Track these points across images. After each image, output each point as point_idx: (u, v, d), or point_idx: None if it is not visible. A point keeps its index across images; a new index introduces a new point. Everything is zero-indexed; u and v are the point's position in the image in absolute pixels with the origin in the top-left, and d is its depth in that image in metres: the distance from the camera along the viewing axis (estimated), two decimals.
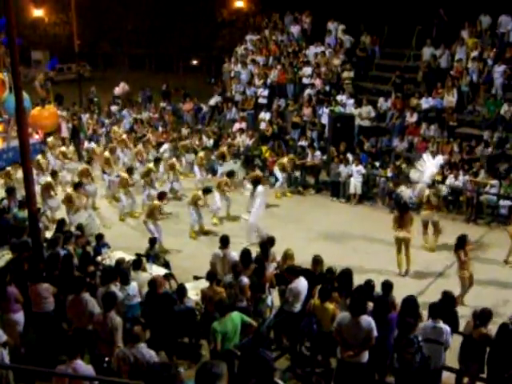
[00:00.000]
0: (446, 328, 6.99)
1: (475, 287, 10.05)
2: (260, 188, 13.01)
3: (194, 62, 44.85)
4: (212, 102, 23.38)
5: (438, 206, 12.68)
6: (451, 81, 17.53)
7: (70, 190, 13.44)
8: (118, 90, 26.52)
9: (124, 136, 18.94)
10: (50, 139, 18.99)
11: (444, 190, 13.64)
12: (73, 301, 7.72)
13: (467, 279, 9.86)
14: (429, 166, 12.88)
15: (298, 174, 16.84)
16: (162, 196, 12.62)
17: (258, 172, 15.56)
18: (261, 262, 8.92)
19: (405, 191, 14.66)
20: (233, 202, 14.68)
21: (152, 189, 14.75)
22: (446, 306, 7.48)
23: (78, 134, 20.55)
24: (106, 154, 16.46)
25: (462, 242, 9.84)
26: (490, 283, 10.60)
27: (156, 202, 12.49)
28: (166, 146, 18.33)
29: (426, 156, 13.33)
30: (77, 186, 13.38)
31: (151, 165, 15.41)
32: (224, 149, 17.59)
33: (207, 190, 13.43)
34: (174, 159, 16.76)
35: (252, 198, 13.28)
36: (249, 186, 15.07)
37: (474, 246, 10.53)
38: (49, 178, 14.31)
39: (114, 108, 24.54)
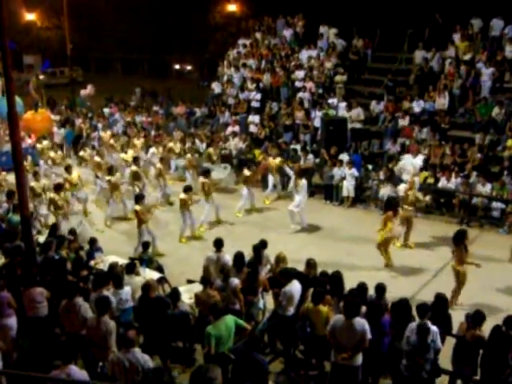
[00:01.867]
0: (433, 329, 6.91)
1: (468, 288, 10.09)
2: (304, 181, 13.73)
3: (187, 67, 44.88)
4: (217, 90, 23.51)
5: (414, 203, 12.76)
6: (443, 84, 17.64)
7: (52, 194, 13.19)
8: (84, 92, 26.48)
9: (112, 141, 18.88)
10: (39, 145, 18.88)
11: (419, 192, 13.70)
12: (66, 306, 7.68)
13: (466, 275, 9.89)
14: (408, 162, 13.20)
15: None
16: (137, 199, 12.31)
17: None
18: (254, 265, 8.93)
19: (383, 190, 14.90)
20: (224, 207, 14.68)
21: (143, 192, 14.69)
22: (438, 309, 7.49)
23: (79, 139, 20.58)
24: (97, 158, 16.40)
25: (461, 237, 9.91)
26: (483, 285, 10.62)
27: (136, 207, 12.17)
28: (152, 150, 18.00)
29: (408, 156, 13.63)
30: (57, 188, 13.15)
31: (134, 167, 15.26)
32: (210, 150, 17.54)
33: (188, 189, 13.25)
34: (159, 164, 16.37)
35: (295, 188, 13.90)
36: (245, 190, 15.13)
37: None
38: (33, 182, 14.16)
39: (106, 110, 24.51)
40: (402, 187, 13.12)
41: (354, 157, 16.47)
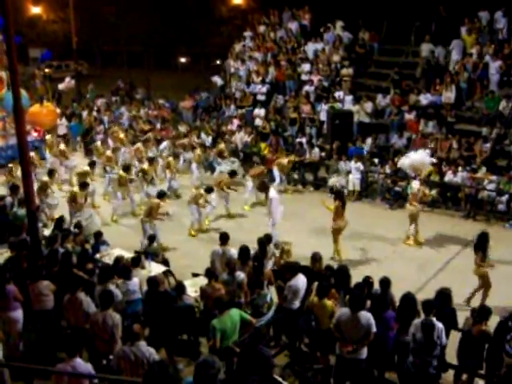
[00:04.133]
0: (438, 325, 6.87)
1: (473, 283, 10.04)
2: (272, 192, 12.81)
3: (193, 60, 44.69)
4: (219, 83, 23.79)
5: (422, 199, 12.66)
6: (449, 77, 17.53)
7: (75, 189, 13.28)
8: (62, 86, 26.49)
9: (122, 135, 18.95)
10: (48, 137, 18.99)
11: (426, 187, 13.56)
12: (69, 300, 7.72)
13: (487, 277, 9.72)
14: (411, 159, 13.01)
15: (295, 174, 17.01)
16: (161, 195, 12.46)
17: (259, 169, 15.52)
18: (260, 259, 8.92)
19: (335, 180, 14.93)
20: (232, 200, 14.69)
21: (151, 186, 14.74)
22: (442, 303, 7.45)
23: (89, 132, 20.61)
24: (109, 152, 16.46)
25: (484, 240, 9.68)
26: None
27: (155, 200, 12.36)
28: (165, 144, 18.28)
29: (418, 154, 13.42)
30: (83, 186, 13.18)
31: (145, 165, 15.32)
32: (222, 146, 17.59)
33: (209, 190, 13.40)
34: (171, 158, 16.60)
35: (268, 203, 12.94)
36: (250, 183, 15.18)
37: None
38: (45, 177, 14.25)
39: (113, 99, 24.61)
40: (414, 184, 12.93)
41: (352, 150, 16.53)
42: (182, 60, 44.28)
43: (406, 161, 13.13)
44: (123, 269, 8.45)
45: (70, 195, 13.11)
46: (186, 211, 13.60)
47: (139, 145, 17.57)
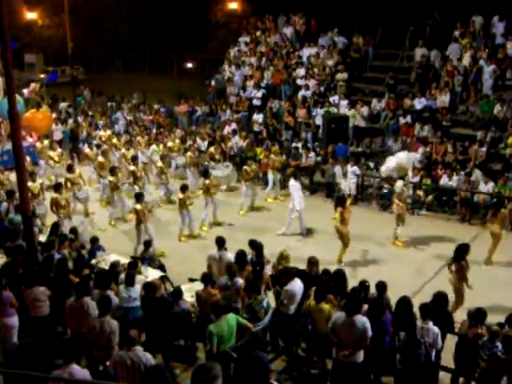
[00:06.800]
0: (434, 329, 6.90)
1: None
2: (291, 182, 13.55)
3: (189, 65, 44.74)
4: (217, 87, 23.95)
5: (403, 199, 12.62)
6: (444, 81, 17.60)
7: (53, 194, 13.02)
8: (28, 91, 26.42)
9: (114, 140, 18.88)
10: (39, 144, 18.85)
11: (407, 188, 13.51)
12: (73, 305, 7.66)
13: (463, 292, 9.41)
14: (396, 159, 13.04)
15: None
16: (138, 198, 12.17)
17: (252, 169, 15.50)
18: (260, 264, 8.90)
19: (343, 183, 15.08)
20: (226, 205, 14.65)
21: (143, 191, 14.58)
22: (438, 307, 7.46)
23: (76, 137, 20.51)
24: (100, 158, 16.36)
25: (463, 252, 9.35)
26: (485, 282, 10.58)
27: (136, 205, 12.07)
28: (152, 148, 18.03)
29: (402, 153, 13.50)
30: (57, 188, 13.01)
31: (131, 167, 15.25)
32: (212, 149, 17.50)
33: (184, 188, 13.14)
34: (160, 163, 16.27)
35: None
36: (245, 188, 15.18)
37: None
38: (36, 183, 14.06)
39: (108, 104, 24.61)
40: (398, 184, 13.02)
41: (338, 148, 16.61)
42: (189, 65, 43.98)
43: (391, 163, 13.11)
44: (127, 275, 8.43)
45: (51, 201, 12.93)
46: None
47: (123, 150, 17.47)
